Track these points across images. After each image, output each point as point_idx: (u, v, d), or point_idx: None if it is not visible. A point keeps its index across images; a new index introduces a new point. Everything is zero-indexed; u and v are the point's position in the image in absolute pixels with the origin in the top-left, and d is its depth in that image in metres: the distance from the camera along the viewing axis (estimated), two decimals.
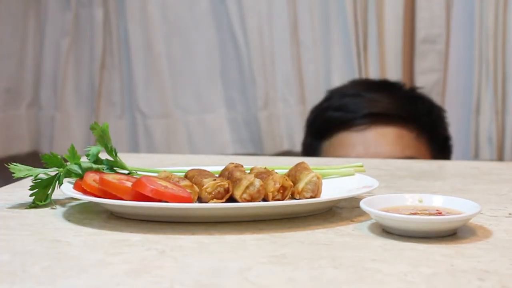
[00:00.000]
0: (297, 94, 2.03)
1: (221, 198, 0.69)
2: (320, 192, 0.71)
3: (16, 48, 2.19)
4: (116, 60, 2.18)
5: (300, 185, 0.71)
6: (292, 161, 0.83)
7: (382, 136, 1.35)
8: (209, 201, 0.68)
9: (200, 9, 2.10)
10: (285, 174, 0.74)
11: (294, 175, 0.74)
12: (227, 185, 0.69)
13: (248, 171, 0.75)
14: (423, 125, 1.38)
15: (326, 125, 1.41)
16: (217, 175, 0.74)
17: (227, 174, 0.73)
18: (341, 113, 1.38)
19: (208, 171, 0.75)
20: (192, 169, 0.76)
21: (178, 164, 1.07)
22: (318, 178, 0.71)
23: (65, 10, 2.17)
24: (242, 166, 0.76)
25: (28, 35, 2.20)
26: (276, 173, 0.72)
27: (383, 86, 1.48)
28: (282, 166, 0.81)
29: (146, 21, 2.14)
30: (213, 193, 0.68)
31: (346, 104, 1.39)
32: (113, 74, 2.19)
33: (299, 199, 0.71)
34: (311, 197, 0.70)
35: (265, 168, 0.74)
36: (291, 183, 0.70)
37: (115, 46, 2.17)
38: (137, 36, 2.16)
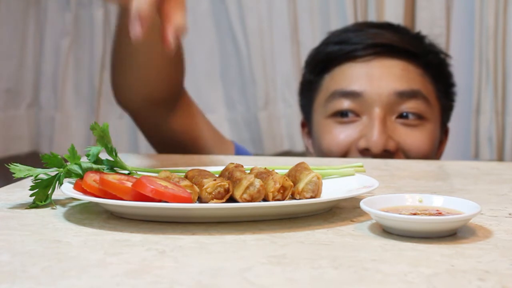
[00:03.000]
0: (297, 94, 2.03)
1: (221, 198, 0.69)
2: (320, 192, 0.71)
3: (16, 48, 2.19)
4: None
5: (300, 185, 0.71)
6: (292, 161, 0.83)
7: (387, 68, 1.29)
8: (209, 201, 0.68)
9: (200, 9, 2.10)
10: (285, 174, 0.74)
11: (294, 175, 0.74)
12: (227, 185, 0.69)
13: (248, 171, 0.75)
14: (429, 63, 1.33)
15: (326, 58, 1.34)
16: (217, 175, 0.74)
17: (227, 174, 0.73)
18: (343, 46, 1.33)
19: (209, 171, 0.75)
20: (193, 169, 0.76)
21: (178, 164, 1.07)
22: (318, 178, 0.71)
23: (65, 10, 2.17)
24: (242, 166, 0.76)
25: (28, 35, 2.20)
26: (277, 173, 0.71)
27: (388, 25, 1.43)
28: (282, 166, 0.81)
29: None
30: (213, 193, 0.68)
31: (348, 37, 1.34)
32: None
33: (299, 199, 0.71)
34: (311, 197, 0.70)
35: (265, 168, 0.74)
36: (291, 183, 0.70)
37: None
38: None
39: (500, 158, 1.87)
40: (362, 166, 0.83)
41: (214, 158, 1.12)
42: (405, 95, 1.27)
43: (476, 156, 1.89)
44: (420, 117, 1.28)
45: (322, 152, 1.31)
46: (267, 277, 0.52)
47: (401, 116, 1.27)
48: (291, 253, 0.58)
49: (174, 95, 1.23)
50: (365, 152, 1.24)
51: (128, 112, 1.26)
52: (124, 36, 1.10)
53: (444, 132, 1.39)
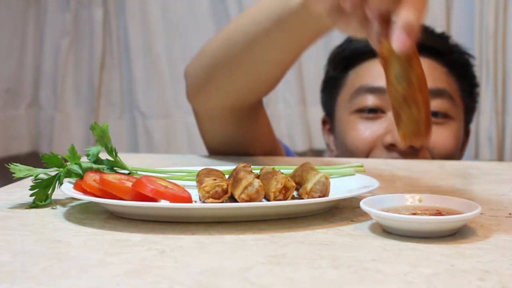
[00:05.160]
0: (297, 94, 2.03)
1: (218, 198, 0.68)
2: (329, 192, 0.71)
3: (16, 48, 2.19)
4: (116, 60, 2.18)
5: (309, 185, 0.70)
6: (292, 161, 0.83)
7: None
8: (205, 200, 0.68)
9: (200, 9, 2.10)
10: (290, 174, 0.74)
11: (300, 175, 0.73)
12: (225, 186, 0.69)
13: (258, 171, 0.75)
14: (454, 62, 1.32)
15: (352, 54, 1.33)
16: (227, 175, 0.75)
17: (235, 174, 0.74)
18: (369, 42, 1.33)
19: (218, 171, 0.75)
20: (204, 168, 0.76)
21: (178, 164, 1.07)
22: (326, 178, 0.71)
23: (64, 10, 2.18)
24: (249, 166, 0.76)
25: (28, 35, 2.20)
26: (282, 173, 0.71)
27: None
28: (286, 166, 0.81)
29: (146, 21, 2.14)
30: (210, 192, 0.68)
31: None
32: (113, 74, 2.19)
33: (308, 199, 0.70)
34: (319, 197, 0.70)
35: (273, 168, 0.74)
36: (294, 184, 0.70)
37: (115, 46, 2.17)
38: (137, 36, 2.16)
39: (500, 158, 1.87)
40: (362, 166, 0.83)
41: (215, 158, 1.12)
42: (430, 94, 1.26)
43: (476, 156, 1.89)
44: (445, 115, 1.28)
45: (346, 149, 1.30)
46: (267, 277, 0.52)
47: None
48: (291, 253, 0.58)
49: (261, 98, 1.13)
50: (391, 148, 1.24)
51: (204, 114, 1.12)
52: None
53: (465, 133, 1.39)
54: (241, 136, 1.12)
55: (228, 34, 0.97)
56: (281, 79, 1.06)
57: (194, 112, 1.13)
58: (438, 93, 1.26)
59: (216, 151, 1.15)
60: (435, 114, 1.26)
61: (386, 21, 0.68)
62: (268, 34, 0.88)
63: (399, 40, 0.63)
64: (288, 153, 1.29)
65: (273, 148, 1.19)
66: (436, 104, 1.26)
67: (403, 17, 0.63)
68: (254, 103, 1.09)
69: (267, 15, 0.87)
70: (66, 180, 0.76)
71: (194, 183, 0.74)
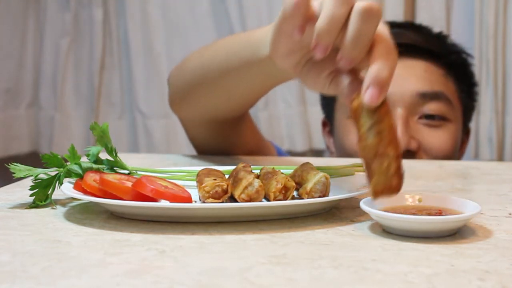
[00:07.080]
0: (297, 94, 2.03)
1: (218, 198, 0.68)
2: (329, 192, 0.71)
3: (16, 48, 2.19)
4: (116, 60, 2.18)
5: (309, 186, 0.70)
6: (292, 161, 0.83)
7: (410, 68, 1.27)
8: (205, 200, 0.68)
9: (200, 9, 2.10)
10: (290, 174, 0.74)
11: (300, 175, 0.73)
12: (225, 186, 0.69)
13: (258, 171, 0.75)
14: (452, 62, 1.31)
15: None
16: (227, 175, 0.75)
17: (235, 173, 0.74)
18: None
19: (218, 171, 0.75)
20: (204, 168, 0.76)
21: (178, 164, 1.07)
22: (326, 178, 0.71)
23: (64, 10, 2.18)
24: (249, 166, 0.76)
25: (28, 35, 2.20)
26: (282, 173, 0.71)
27: (410, 25, 1.41)
28: (286, 166, 0.81)
29: (146, 21, 2.14)
30: (210, 192, 0.68)
31: None
32: (113, 74, 2.19)
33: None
34: (319, 197, 0.70)
35: (273, 168, 0.74)
36: (294, 184, 0.70)
37: (115, 46, 2.17)
38: (137, 36, 2.16)
39: (500, 158, 1.87)
40: (362, 166, 0.83)
41: (214, 158, 1.12)
42: (427, 97, 1.26)
43: (476, 156, 1.89)
44: (442, 118, 1.27)
45: (345, 152, 1.30)
46: (267, 277, 0.52)
47: (423, 117, 1.27)
48: (291, 253, 0.58)
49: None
50: None
51: (186, 122, 1.14)
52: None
53: (465, 132, 1.39)
54: (224, 141, 1.14)
55: (206, 58, 1.00)
56: (256, 102, 1.08)
57: (178, 118, 1.16)
58: (435, 96, 1.26)
59: (203, 153, 1.17)
60: (432, 117, 1.26)
61: (356, 77, 0.70)
62: (237, 71, 0.91)
63: (370, 94, 0.62)
64: (280, 153, 1.29)
65: (259, 150, 1.20)
66: (432, 107, 1.26)
67: (374, 71, 0.63)
68: (235, 116, 1.10)
69: (238, 56, 0.90)
70: (66, 180, 0.76)
71: (194, 183, 0.74)
